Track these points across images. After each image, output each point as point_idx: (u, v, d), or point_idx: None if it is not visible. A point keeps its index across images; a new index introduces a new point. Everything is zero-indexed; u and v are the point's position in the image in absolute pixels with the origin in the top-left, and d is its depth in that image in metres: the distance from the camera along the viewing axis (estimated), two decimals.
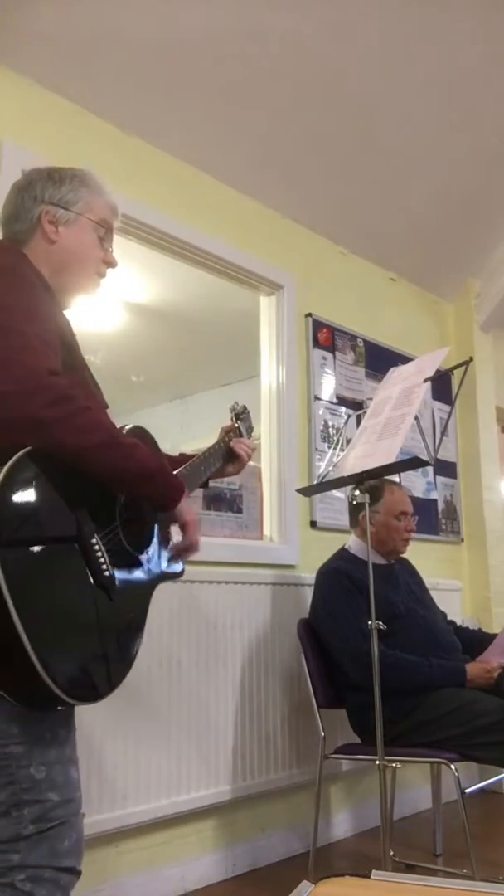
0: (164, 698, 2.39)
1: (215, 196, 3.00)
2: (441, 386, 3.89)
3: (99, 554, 1.18)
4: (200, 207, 2.92)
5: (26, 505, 1.09)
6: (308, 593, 2.76)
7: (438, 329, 4.12)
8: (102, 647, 1.17)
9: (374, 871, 0.82)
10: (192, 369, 5.35)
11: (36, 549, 1.08)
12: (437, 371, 2.10)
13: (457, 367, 2.13)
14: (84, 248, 1.41)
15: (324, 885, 0.79)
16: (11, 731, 1.12)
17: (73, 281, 1.40)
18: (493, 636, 2.71)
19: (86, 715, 1.86)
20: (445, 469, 3.91)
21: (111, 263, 1.46)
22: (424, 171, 3.33)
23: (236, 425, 1.84)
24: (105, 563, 1.19)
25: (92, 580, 1.16)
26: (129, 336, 4.56)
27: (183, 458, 1.65)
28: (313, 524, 3.11)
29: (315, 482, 2.79)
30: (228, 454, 1.76)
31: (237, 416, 1.86)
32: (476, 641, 2.69)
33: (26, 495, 1.09)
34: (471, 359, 2.15)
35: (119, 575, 1.22)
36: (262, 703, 2.70)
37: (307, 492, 2.67)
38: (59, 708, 1.18)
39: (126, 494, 1.29)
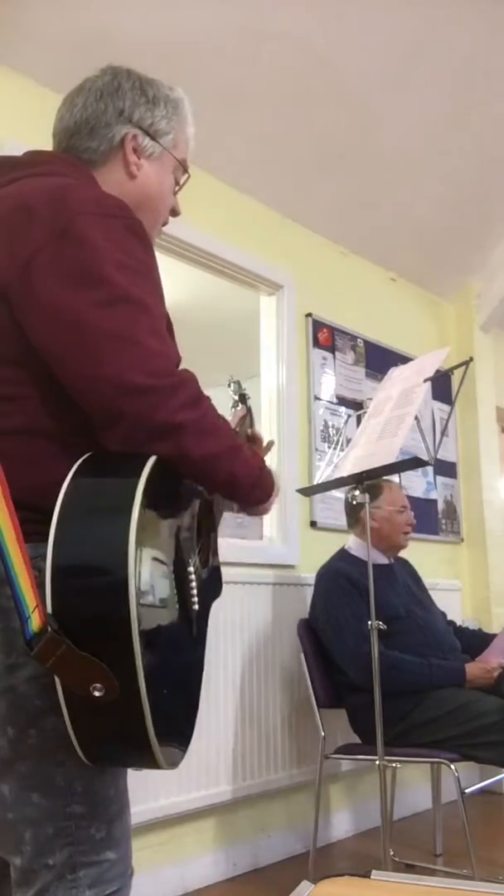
0: None
1: (215, 196, 3.00)
2: (441, 386, 3.89)
3: (193, 584, 0.99)
4: (201, 207, 2.92)
5: (157, 539, 0.89)
6: (308, 593, 2.76)
7: (438, 329, 4.12)
8: (191, 701, 1.02)
9: (374, 871, 0.82)
10: (192, 369, 5.34)
11: (161, 594, 0.88)
12: (437, 371, 2.10)
13: (457, 367, 2.13)
14: (162, 192, 1.15)
15: (324, 885, 0.79)
16: (75, 789, 0.94)
17: None
18: (493, 636, 2.71)
19: None
20: (445, 469, 3.91)
21: (177, 212, 1.22)
22: (424, 171, 3.33)
23: (247, 410, 1.60)
24: (196, 594, 1.00)
25: (183, 618, 0.97)
26: None
27: None
28: (313, 524, 3.11)
29: (315, 482, 2.79)
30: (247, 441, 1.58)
31: (242, 398, 1.71)
32: (476, 641, 2.69)
33: (157, 525, 0.89)
34: (471, 359, 2.15)
35: (200, 607, 1.04)
36: (262, 703, 2.70)
37: (307, 492, 2.67)
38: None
39: (234, 500, 1.09)
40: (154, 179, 1.12)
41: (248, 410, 1.60)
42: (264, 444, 1.49)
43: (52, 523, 0.82)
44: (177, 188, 1.19)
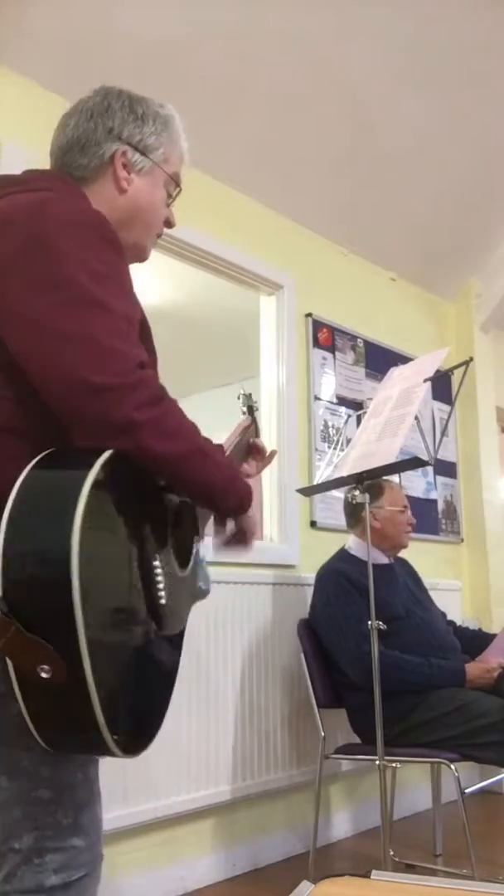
0: None
1: (215, 196, 3.00)
2: (441, 386, 3.89)
3: (159, 581, 1.02)
4: (201, 208, 2.92)
5: (107, 529, 0.92)
6: (308, 593, 2.76)
7: (438, 329, 4.12)
8: (153, 693, 1.05)
9: (374, 871, 0.82)
10: (192, 369, 5.35)
11: (112, 580, 0.92)
12: (437, 371, 2.10)
13: (457, 367, 2.13)
14: (153, 205, 1.19)
15: (324, 885, 0.79)
16: (41, 774, 0.98)
17: (132, 241, 1.17)
18: (493, 636, 2.71)
19: None
20: (445, 469, 3.91)
21: (172, 224, 1.26)
22: (424, 170, 3.33)
23: (252, 420, 1.63)
24: (164, 588, 1.03)
25: (148, 612, 1.00)
26: None
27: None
28: (313, 524, 3.11)
29: (315, 482, 2.79)
30: (247, 453, 1.58)
31: (250, 409, 1.67)
32: (476, 641, 2.69)
33: (108, 516, 0.93)
34: (471, 359, 2.15)
35: (169, 602, 1.06)
36: (262, 703, 2.70)
37: (307, 492, 2.67)
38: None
39: (204, 506, 1.13)
40: (145, 193, 1.17)
41: (254, 421, 1.62)
42: (266, 454, 1.51)
43: (6, 512, 0.86)
44: (170, 200, 1.24)
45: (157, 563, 1.02)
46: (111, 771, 2.21)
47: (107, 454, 0.91)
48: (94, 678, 0.85)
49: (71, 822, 1.00)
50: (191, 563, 1.20)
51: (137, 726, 0.99)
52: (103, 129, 1.15)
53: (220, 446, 1.12)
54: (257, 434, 1.63)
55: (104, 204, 1.11)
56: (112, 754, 0.91)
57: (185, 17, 2.42)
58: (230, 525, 1.22)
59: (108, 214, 1.08)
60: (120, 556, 0.94)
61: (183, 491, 1.08)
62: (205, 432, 1.06)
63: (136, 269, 1.14)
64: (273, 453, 1.52)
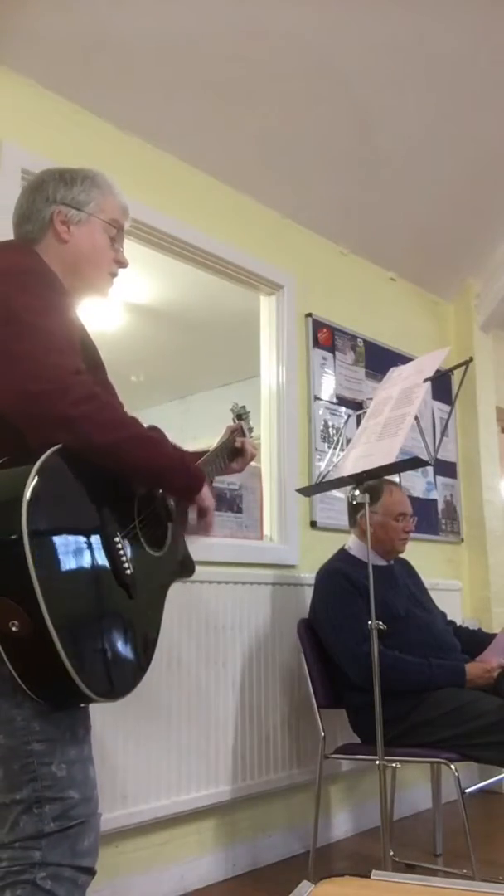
0: (164, 698, 2.39)
1: (215, 196, 3.00)
2: (441, 386, 3.89)
3: (121, 553, 1.20)
4: (200, 207, 2.92)
5: (56, 502, 1.10)
6: (308, 593, 2.76)
7: (438, 329, 4.12)
8: (126, 645, 1.19)
9: (374, 871, 0.82)
10: (192, 369, 5.35)
11: (64, 545, 1.09)
12: (437, 371, 2.10)
13: (457, 367, 2.13)
14: (96, 249, 1.42)
15: (324, 885, 0.79)
16: (33, 728, 1.13)
17: (85, 281, 1.41)
18: (493, 636, 2.71)
19: None
20: (445, 469, 3.91)
21: (122, 263, 1.48)
22: (424, 171, 3.33)
23: (240, 424, 1.87)
24: (127, 562, 1.20)
25: (115, 579, 1.18)
26: (130, 336, 4.56)
27: (196, 454, 1.67)
28: (313, 524, 3.11)
29: (315, 482, 2.79)
30: (233, 452, 1.79)
31: (239, 416, 1.90)
32: (476, 641, 2.69)
33: (56, 492, 1.10)
34: (471, 359, 2.15)
35: (138, 574, 1.23)
36: (262, 703, 2.70)
37: (307, 492, 2.67)
38: (81, 705, 1.19)
39: (151, 487, 1.33)
40: (86, 240, 1.41)
41: (242, 427, 1.86)
42: (248, 455, 1.78)
43: None
44: (116, 244, 1.46)
45: (117, 539, 1.20)
46: (111, 771, 2.22)
47: (54, 448, 1.11)
48: (55, 628, 1.01)
49: (65, 775, 1.14)
50: (166, 545, 1.38)
51: (110, 672, 1.13)
52: (41, 198, 1.40)
53: (158, 436, 1.30)
54: (243, 434, 1.84)
55: (53, 255, 1.36)
56: (85, 696, 1.06)
57: (185, 18, 2.42)
58: (192, 513, 1.43)
59: (58, 262, 1.34)
60: (71, 525, 1.12)
61: (133, 477, 1.27)
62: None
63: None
64: (253, 455, 1.80)
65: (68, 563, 1.09)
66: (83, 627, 1.09)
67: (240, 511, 2.91)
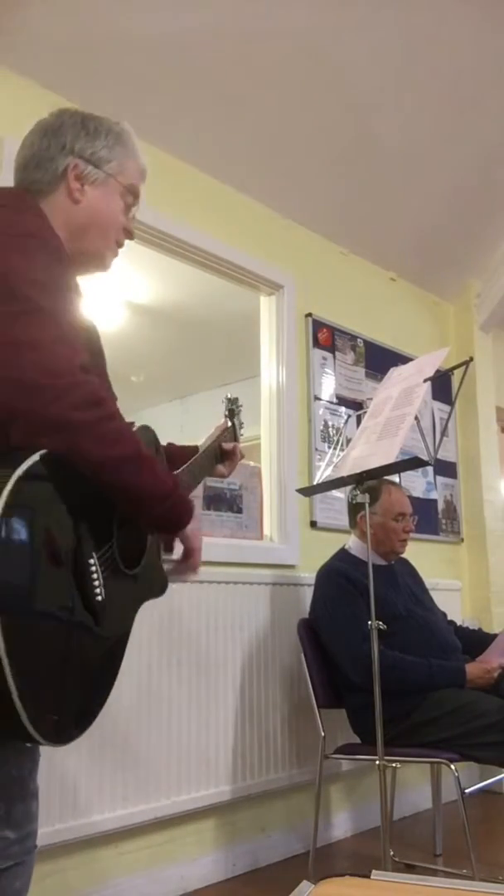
0: (164, 698, 2.39)
1: (215, 196, 3.00)
2: (441, 386, 3.89)
3: (95, 576, 1.04)
4: (200, 207, 2.92)
5: (31, 516, 0.94)
6: (308, 593, 2.76)
7: (438, 329, 4.12)
8: (83, 685, 1.06)
9: (374, 871, 0.82)
10: (192, 369, 5.35)
11: (29, 572, 0.94)
12: (437, 371, 2.10)
13: (457, 367, 2.13)
14: (110, 214, 1.25)
15: (324, 885, 0.79)
16: None
17: (91, 249, 1.24)
18: (494, 636, 2.71)
19: None
20: (445, 469, 3.91)
21: (131, 233, 1.32)
22: (424, 171, 3.33)
23: (230, 425, 1.73)
24: (99, 585, 1.05)
25: (82, 605, 1.02)
26: (129, 336, 4.56)
27: (186, 451, 1.55)
28: (313, 524, 3.11)
29: (315, 482, 2.79)
30: (222, 454, 1.64)
31: (231, 413, 1.77)
32: (476, 641, 2.69)
33: (31, 506, 0.94)
34: (471, 359, 2.15)
35: (109, 599, 1.08)
36: (262, 703, 2.70)
37: (307, 492, 2.67)
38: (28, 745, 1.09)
39: (133, 513, 1.13)
40: (100, 203, 1.24)
41: (233, 426, 1.70)
42: (237, 458, 1.60)
43: None
44: (129, 211, 1.30)
45: (92, 560, 1.04)
46: (111, 771, 2.22)
47: (40, 452, 0.95)
48: (11, 664, 0.87)
49: (2, 814, 1.06)
50: (142, 562, 1.21)
51: (65, 717, 1.01)
52: (56, 145, 1.22)
53: (155, 458, 1.14)
54: (235, 438, 1.68)
55: (60, 214, 1.19)
56: (34, 741, 0.94)
57: (186, 18, 2.42)
58: (178, 547, 1.26)
59: (64, 224, 1.18)
60: (43, 543, 0.96)
61: (112, 494, 1.08)
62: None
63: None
64: (241, 457, 1.63)
65: (35, 593, 0.94)
66: (42, 671, 0.96)
67: (240, 511, 2.91)
